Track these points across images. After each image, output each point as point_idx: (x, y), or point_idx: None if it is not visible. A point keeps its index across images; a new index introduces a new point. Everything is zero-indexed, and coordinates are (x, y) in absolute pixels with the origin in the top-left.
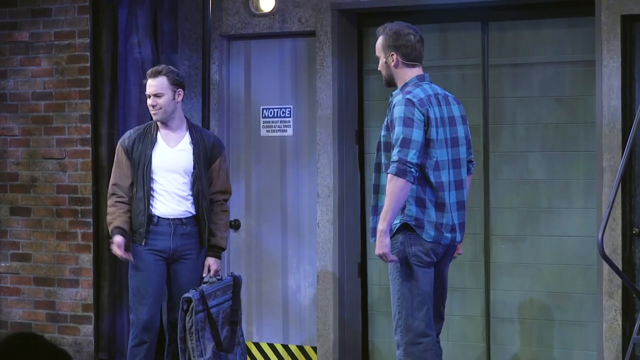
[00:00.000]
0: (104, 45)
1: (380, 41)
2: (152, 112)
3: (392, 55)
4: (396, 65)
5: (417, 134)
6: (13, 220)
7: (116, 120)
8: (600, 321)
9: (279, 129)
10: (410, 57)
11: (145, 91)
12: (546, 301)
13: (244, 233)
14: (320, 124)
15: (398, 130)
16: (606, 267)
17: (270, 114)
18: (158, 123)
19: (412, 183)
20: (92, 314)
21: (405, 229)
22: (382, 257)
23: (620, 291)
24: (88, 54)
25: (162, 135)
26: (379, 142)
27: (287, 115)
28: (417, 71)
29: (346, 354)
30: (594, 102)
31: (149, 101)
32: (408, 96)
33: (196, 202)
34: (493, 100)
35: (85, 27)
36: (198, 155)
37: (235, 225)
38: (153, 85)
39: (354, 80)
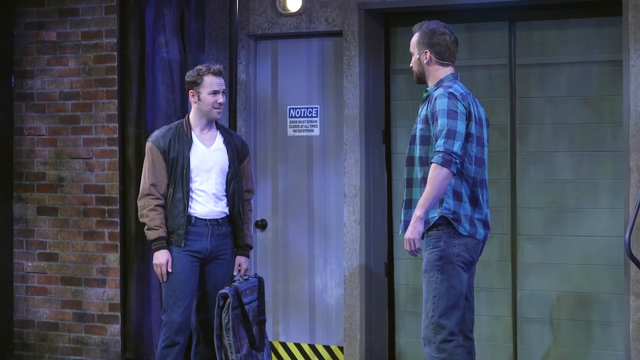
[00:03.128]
0: (131, 44)
1: (415, 38)
2: (217, 110)
3: (426, 52)
4: (428, 63)
5: (461, 126)
6: (40, 219)
7: (143, 120)
8: (627, 321)
9: (305, 128)
10: (444, 57)
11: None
12: (573, 301)
13: (271, 233)
14: (347, 123)
15: (442, 122)
16: (633, 267)
17: (297, 113)
18: (190, 122)
19: (454, 174)
20: (119, 314)
21: (444, 226)
22: (410, 242)
23: None
24: (115, 53)
25: (196, 135)
26: (414, 136)
27: (314, 115)
28: (450, 70)
29: (373, 355)
30: (621, 102)
31: (220, 98)
32: (450, 90)
33: (231, 202)
34: (520, 100)
35: (112, 26)
36: (232, 154)
37: (262, 225)
38: (221, 83)
39: (380, 80)
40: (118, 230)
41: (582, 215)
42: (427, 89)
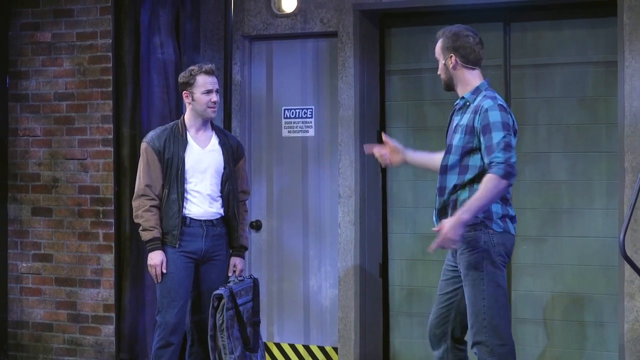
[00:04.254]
0: (126, 45)
1: (439, 44)
2: (212, 109)
3: (451, 57)
4: (455, 67)
5: (514, 140)
6: (35, 220)
7: (138, 121)
8: (621, 322)
9: (300, 129)
10: (469, 59)
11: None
12: (567, 302)
13: (266, 233)
14: (342, 124)
15: (499, 134)
16: (628, 268)
17: (292, 114)
18: (186, 123)
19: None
20: (113, 315)
21: (479, 225)
22: (447, 242)
23: None
24: (110, 54)
25: (191, 136)
26: (452, 145)
27: (308, 115)
28: (479, 75)
29: (367, 355)
30: (616, 103)
31: (213, 97)
32: (500, 102)
33: (226, 203)
34: (515, 101)
35: (107, 27)
36: (227, 155)
37: (257, 226)
38: (215, 82)
39: (375, 80)
40: (113, 231)
41: (577, 216)
42: (464, 96)
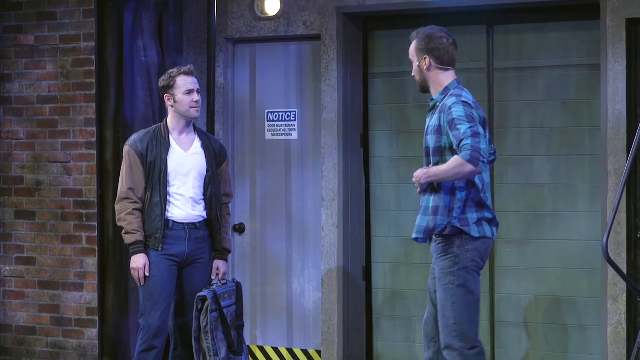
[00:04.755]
0: (110, 48)
1: (413, 46)
2: (195, 108)
3: (425, 58)
4: (429, 69)
5: (481, 130)
6: (18, 223)
7: (122, 124)
8: (604, 325)
9: (284, 132)
10: (444, 60)
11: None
12: (551, 305)
13: (249, 237)
14: (325, 127)
15: (464, 126)
16: (611, 271)
17: (275, 117)
18: (168, 126)
19: (479, 173)
20: (96, 318)
21: (457, 233)
22: (420, 179)
23: (625, 295)
24: (93, 57)
25: (174, 139)
26: (428, 148)
27: (292, 118)
28: (452, 75)
29: (351, 358)
30: (599, 106)
31: (195, 97)
32: (462, 98)
33: (209, 206)
34: (498, 104)
35: (90, 30)
36: (210, 158)
37: (240, 229)
38: (195, 82)
39: (359, 83)
40: (96, 234)
41: (560, 219)
42: (434, 97)
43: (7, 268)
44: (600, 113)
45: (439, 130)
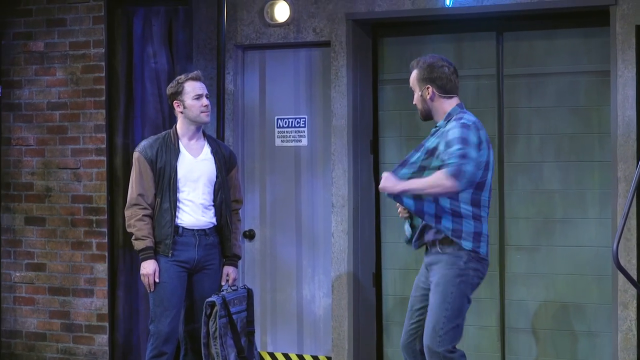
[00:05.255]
0: (119, 55)
1: (414, 74)
2: (205, 113)
3: (428, 88)
4: (432, 98)
5: (472, 153)
6: (28, 230)
7: (131, 130)
8: (615, 332)
9: (293, 139)
10: (446, 89)
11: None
12: (561, 311)
13: (259, 243)
14: (334, 134)
15: (454, 148)
16: (621, 277)
17: (285, 124)
18: (178, 132)
19: (458, 191)
20: (107, 324)
21: (468, 249)
22: (390, 189)
23: (635, 302)
24: (103, 63)
25: (183, 145)
26: (407, 160)
27: (301, 125)
28: (455, 101)
29: None
30: (608, 112)
31: (204, 101)
32: (462, 121)
33: (219, 212)
34: (508, 111)
35: (100, 37)
36: (219, 164)
37: (250, 235)
38: (203, 87)
39: (368, 90)
40: (106, 241)
41: (570, 225)
42: (437, 124)
43: (18, 274)
44: (610, 119)
45: (432, 152)
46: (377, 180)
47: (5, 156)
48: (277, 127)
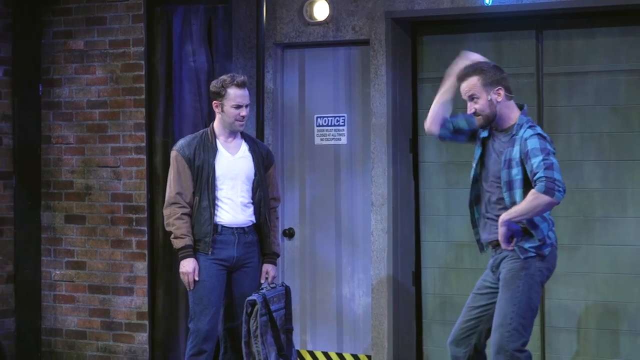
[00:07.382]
0: (159, 53)
1: (475, 81)
2: (240, 122)
3: (499, 90)
4: (502, 101)
5: (555, 161)
6: (68, 228)
7: (171, 129)
8: None
9: (333, 137)
10: (511, 90)
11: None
12: (601, 310)
13: (299, 241)
14: (374, 132)
15: (539, 158)
16: None
17: (325, 122)
18: (215, 131)
19: (558, 203)
20: (147, 322)
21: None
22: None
23: None
24: (143, 62)
25: (221, 143)
26: (511, 182)
27: (341, 123)
28: (513, 104)
29: None
30: None
31: (243, 112)
32: (539, 131)
33: (257, 210)
34: (548, 109)
35: (139, 35)
36: (257, 162)
37: (290, 234)
38: (246, 95)
39: (408, 88)
40: (146, 239)
41: (610, 224)
42: (501, 128)
43: (58, 272)
44: None
45: (520, 163)
46: (417, 179)
47: (45, 155)
48: (317, 126)
